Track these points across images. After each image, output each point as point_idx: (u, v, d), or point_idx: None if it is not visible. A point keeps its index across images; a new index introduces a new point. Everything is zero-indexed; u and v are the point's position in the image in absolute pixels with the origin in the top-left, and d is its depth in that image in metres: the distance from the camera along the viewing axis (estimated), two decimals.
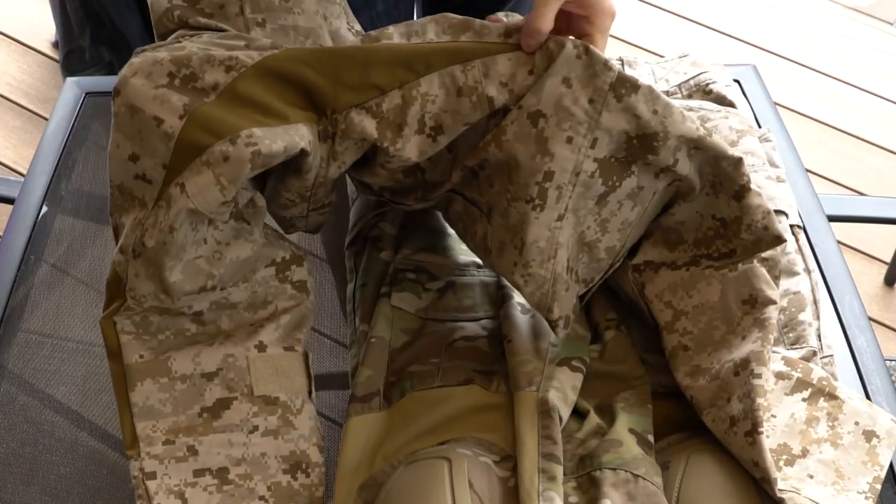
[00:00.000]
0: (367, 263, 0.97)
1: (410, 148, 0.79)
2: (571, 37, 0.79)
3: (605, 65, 0.77)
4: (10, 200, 1.18)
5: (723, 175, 0.81)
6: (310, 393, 0.83)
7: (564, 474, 0.78)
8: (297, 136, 0.76)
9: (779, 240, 0.81)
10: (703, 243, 0.84)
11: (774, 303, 0.81)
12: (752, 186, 0.81)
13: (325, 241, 1.08)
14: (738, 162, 0.80)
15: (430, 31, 0.80)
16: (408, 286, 0.94)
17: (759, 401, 0.77)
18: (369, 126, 0.78)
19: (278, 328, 0.83)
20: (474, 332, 0.92)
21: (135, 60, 0.77)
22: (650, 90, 0.77)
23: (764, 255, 0.82)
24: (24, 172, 1.23)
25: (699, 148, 0.79)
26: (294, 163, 0.79)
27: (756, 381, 0.77)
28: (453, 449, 0.78)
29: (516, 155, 0.78)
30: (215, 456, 0.79)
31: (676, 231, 0.85)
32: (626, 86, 0.76)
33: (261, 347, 0.81)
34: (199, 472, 0.79)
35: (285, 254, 0.83)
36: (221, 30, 0.81)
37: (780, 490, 0.76)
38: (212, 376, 0.80)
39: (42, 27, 2.38)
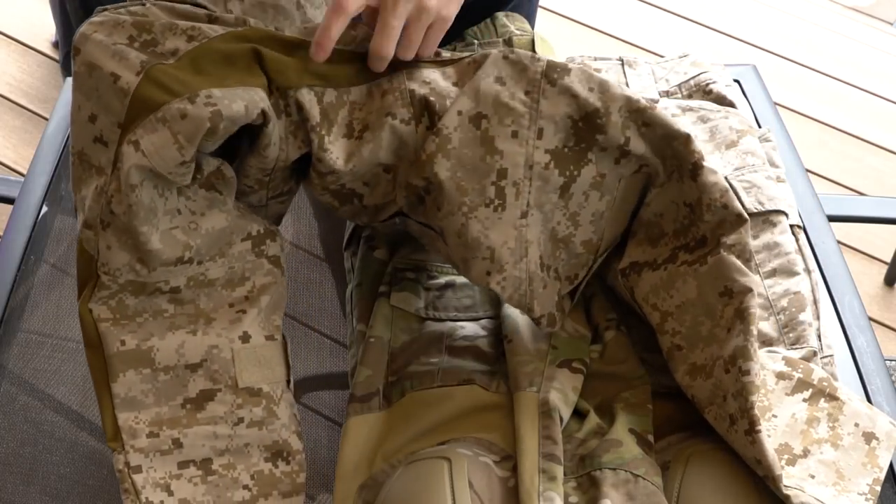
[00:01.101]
0: (362, 263, 0.96)
1: (338, 149, 0.80)
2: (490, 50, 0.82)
3: (532, 58, 0.80)
4: (10, 200, 1.18)
5: (676, 154, 0.81)
6: (288, 382, 0.83)
7: (564, 474, 0.78)
8: (256, 96, 0.76)
9: (741, 218, 0.81)
10: (681, 233, 0.84)
11: (751, 290, 0.79)
12: (706, 164, 0.81)
13: (324, 241, 1.08)
14: (687, 139, 0.80)
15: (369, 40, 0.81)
16: (407, 285, 0.94)
17: (753, 398, 0.77)
18: (315, 109, 0.79)
19: (260, 313, 0.82)
20: (474, 331, 0.92)
21: (95, 18, 0.77)
22: (582, 70, 0.80)
23: (729, 241, 0.80)
24: (24, 172, 1.23)
25: (648, 124, 0.80)
26: (254, 138, 0.79)
27: (746, 379, 0.77)
28: (453, 449, 0.78)
29: (463, 162, 0.80)
30: (199, 448, 0.79)
31: (657, 224, 0.85)
32: (557, 70, 0.79)
33: (245, 338, 0.81)
34: (183, 464, 0.79)
35: (259, 227, 0.83)
36: (199, 5, 0.81)
37: (785, 486, 0.76)
38: (195, 367, 0.80)
39: (42, 27, 2.38)
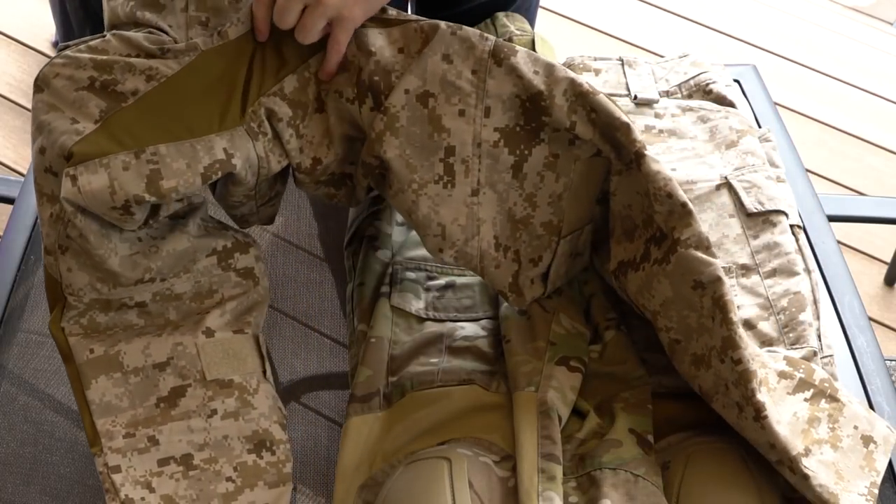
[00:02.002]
0: (364, 263, 0.97)
1: (315, 126, 0.82)
2: (440, 20, 0.82)
3: (481, 36, 0.80)
4: (10, 200, 1.18)
5: (619, 144, 0.82)
6: (264, 373, 0.84)
7: (564, 474, 0.78)
8: (206, 149, 0.78)
9: (685, 208, 0.80)
10: (648, 223, 0.84)
11: (720, 278, 0.79)
12: (647, 153, 0.81)
13: (324, 241, 1.08)
14: (627, 128, 0.81)
15: None
16: (407, 286, 0.94)
17: (752, 385, 0.76)
18: (279, 105, 0.80)
19: (224, 313, 0.84)
20: (474, 332, 0.92)
21: (57, 61, 0.78)
22: (528, 53, 0.80)
23: (683, 236, 0.80)
24: (24, 172, 1.23)
25: (595, 110, 0.81)
26: (228, 176, 0.81)
27: (740, 368, 0.77)
28: (453, 449, 0.78)
29: (411, 140, 0.81)
30: (177, 444, 0.80)
31: (629, 217, 0.85)
32: (504, 50, 0.80)
33: (208, 333, 0.82)
34: (163, 462, 0.80)
35: (226, 242, 0.85)
36: (161, 30, 0.82)
37: (804, 467, 0.76)
38: (163, 366, 0.81)
39: (42, 27, 2.38)
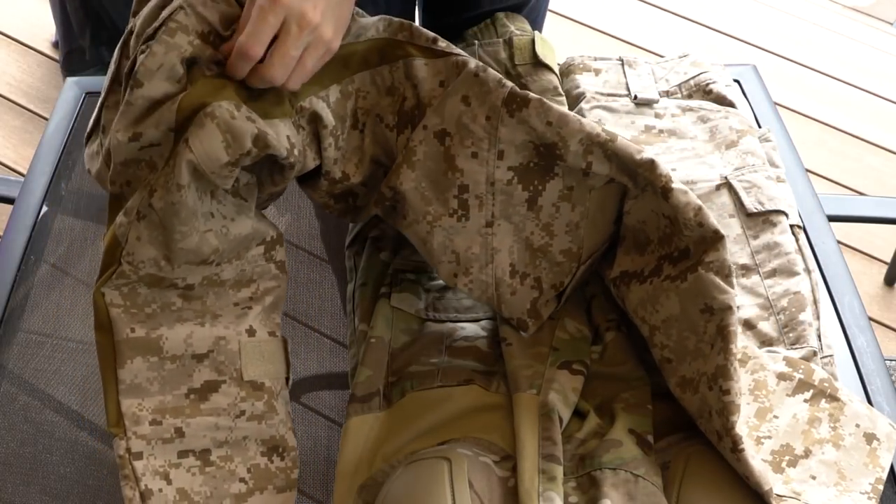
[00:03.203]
0: (367, 263, 0.97)
1: (349, 142, 0.82)
2: (473, 58, 0.82)
3: (499, 82, 0.80)
4: (10, 200, 1.18)
5: (644, 179, 0.81)
6: (287, 379, 0.84)
7: (564, 474, 0.78)
8: (289, 130, 0.78)
9: (717, 235, 0.80)
10: (665, 241, 0.84)
11: (730, 308, 0.79)
12: (675, 185, 0.80)
13: (325, 241, 1.08)
14: (651, 164, 0.80)
15: (371, 28, 0.83)
16: (408, 286, 0.94)
17: (733, 419, 0.77)
18: (326, 112, 0.80)
19: (263, 310, 0.83)
20: (474, 332, 0.92)
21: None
22: (540, 103, 0.79)
23: (708, 258, 0.80)
24: (24, 172, 1.23)
25: (616, 155, 0.80)
26: (280, 163, 0.81)
27: (726, 399, 0.77)
28: (453, 449, 0.78)
29: (426, 175, 0.82)
30: (201, 438, 0.80)
31: (642, 231, 0.85)
32: (516, 101, 0.80)
33: (251, 332, 0.82)
34: (183, 454, 0.79)
35: (273, 233, 0.84)
36: None
37: (778, 496, 0.76)
38: (202, 358, 0.80)
39: (42, 27, 2.38)
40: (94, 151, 0.81)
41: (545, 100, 0.80)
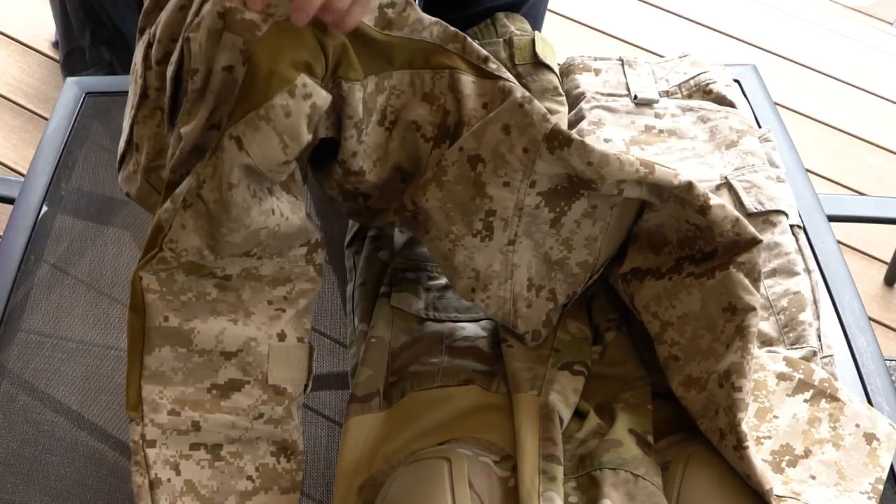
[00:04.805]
0: (366, 262, 0.97)
1: (372, 138, 0.80)
2: (519, 86, 0.80)
3: (543, 116, 0.78)
4: (10, 200, 1.18)
5: (680, 199, 0.81)
6: (306, 387, 0.84)
7: (564, 474, 0.78)
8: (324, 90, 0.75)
9: (755, 241, 0.81)
10: (686, 244, 0.84)
11: (754, 309, 0.80)
12: (713, 202, 0.80)
13: (325, 241, 1.08)
14: (689, 187, 0.80)
15: (426, 30, 0.81)
16: (407, 286, 0.94)
17: (741, 415, 0.77)
18: (357, 103, 0.78)
19: (295, 314, 0.82)
20: (474, 332, 0.92)
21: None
22: (582, 145, 0.77)
23: (740, 259, 0.81)
24: (24, 172, 1.23)
25: (654, 184, 0.80)
26: None
27: (737, 395, 0.77)
28: (453, 449, 0.78)
29: (453, 198, 0.80)
30: (216, 434, 0.80)
31: (659, 232, 0.85)
32: (559, 139, 0.78)
33: (281, 336, 0.81)
34: (195, 446, 0.79)
35: (318, 236, 0.83)
36: None
37: (778, 497, 0.76)
38: (230, 356, 0.80)
39: (42, 27, 2.38)
40: (131, 171, 0.80)
41: (587, 142, 0.78)
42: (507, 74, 0.80)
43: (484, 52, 0.81)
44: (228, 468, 0.80)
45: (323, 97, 0.73)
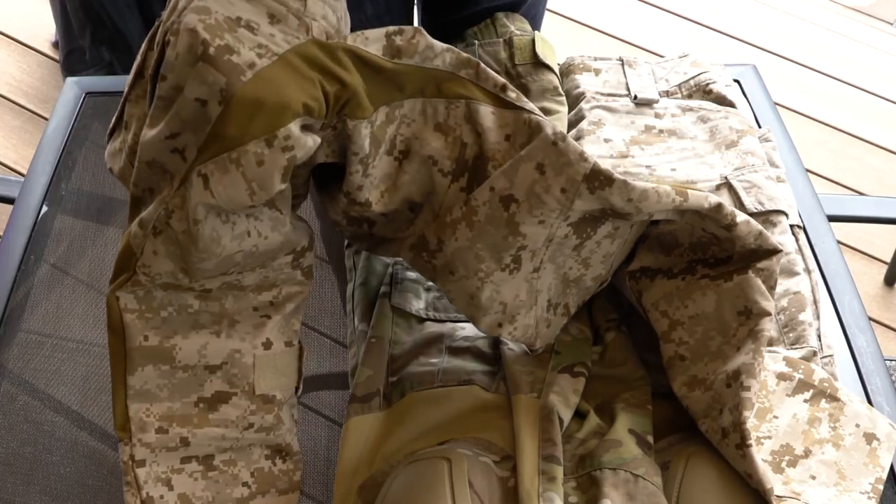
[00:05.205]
0: (367, 262, 0.97)
1: (380, 168, 0.77)
2: (548, 120, 0.77)
3: (581, 155, 0.75)
4: (10, 200, 1.18)
5: (707, 219, 0.81)
6: (297, 389, 0.83)
7: (564, 474, 0.78)
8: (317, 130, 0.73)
9: (775, 251, 0.82)
10: (699, 248, 0.84)
11: (769, 314, 0.80)
12: (739, 219, 0.80)
13: (325, 240, 1.08)
14: (718, 207, 0.80)
15: (438, 57, 0.77)
16: (408, 286, 0.94)
17: (746, 414, 0.77)
18: (363, 140, 0.75)
19: (282, 319, 0.81)
20: (474, 332, 0.92)
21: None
22: (624, 184, 0.75)
23: (760, 265, 0.81)
24: (24, 172, 1.23)
25: (686, 210, 0.80)
26: None
27: (745, 394, 0.77)
28: (453, 449, 0.78)
29: (484, 238, 0.77)
30: (206, 447, 0.79)
31: (672, 235, 0.85)
32: (599, 179, 0.75)
33: (267, 345, 0.80)
34: (186, 459, 0.79)
35: (305, 242, 0.80)
36: None
37: (778, 497, 0.76)
38: (215, 369, 0.79)
39: (42, 27, 2.38)
40: (117, 148, 0.78)
41: (628, 180, 0.76)
42: (530, 104, 0.78)
43: (501, 79, 0.78)
44: (223, 477, 0.80)
45: (307, 148, 0.70)
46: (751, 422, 0.83)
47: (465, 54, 0.78)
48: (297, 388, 0.83)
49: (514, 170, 0.76)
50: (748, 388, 0.77)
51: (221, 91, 0.68)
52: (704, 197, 0.79)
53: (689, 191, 0.79)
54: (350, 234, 0.84)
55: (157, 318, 0.77)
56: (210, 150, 0.69)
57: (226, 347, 0.79)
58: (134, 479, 0.77)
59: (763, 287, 0.81)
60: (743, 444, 0.76)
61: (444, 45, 0.78)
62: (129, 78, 0.77)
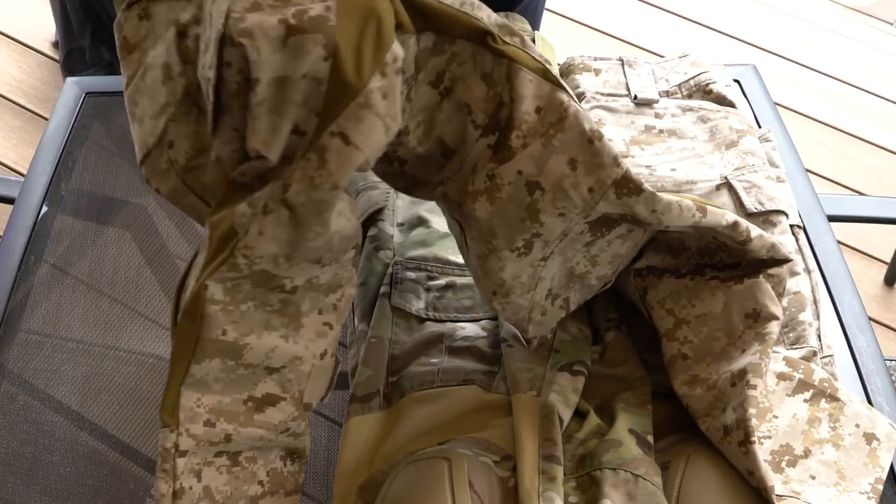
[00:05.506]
0: (367, 262, 0.97)
1: (420, 98, 0.76)
2: (587, 114, 0.76)
3: (615, 160, 0.75)
4: (10, 200, 1.19)
5: (723, 236, 0.82)
6: (324, 398, 0.82)
7: (564, 474, 0.78)
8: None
9: (786, 260, 0.82)
10: (707, 253, 0.85)
11: (777, 318, 0.81)
12: (753, 234, 0.81)
13: None
14: (734, 225, 0.80)
15: (483, 11, 0.76)
16: (408, 286, 0.94)
17: (752, 411, 0.77)
18: (412, 57, 0.73)
19: (339, 330, 0.80)
20: (474, 332, 0.92)
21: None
22: (651, 195, 0.76)
23: (771, 271, 0.82)
24: (24, 172, 1.23)
25: (703, 227, 0.80)
26: None
27: (750, 392, 0.78)
28: (453, 449, 0.78)
29: (503, 215, 0.77)
30: (242, 445, 0.78)
31: (679, 239, 0.86)
32: (629, 186, 0.76)
33: (323, 355, 0.79)
34: (219, 454, 0.77)
35: (360, 238, 0.78)
36: None
37: (778, 496, 0.76)
38: (273, 371, 0.77)
39: (42, 27, 2.38)
40: (164, 168, 0.76)
41: (657, 193, 0.76)
42: (569, 89, 0.77)
43: (542, 56, 0.77)
44: (243, 473, 0.79)
45: (408, 64, 0.69)
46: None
47: (510, 24, 0.77)
48: (323, 397, 0.83)
49: (545, 158, 0.75)
50: (754, 387, 0.78)
51: (324, 46, 0.66)
52: (721, 214, 0.79)
53: (708, 207, 0.79)
54: (381, 172, 0.82)
55: (237, 311, 0.75)
56: (335, 109, 0.67)
57: (289, 353, 0.77)
58: (172, 468, 0.75)
59: (773, 292, 0.82)
60: (747, 440, 0.76)
61: (488, 8, 0.76)
62: (166, 98, 0.74)
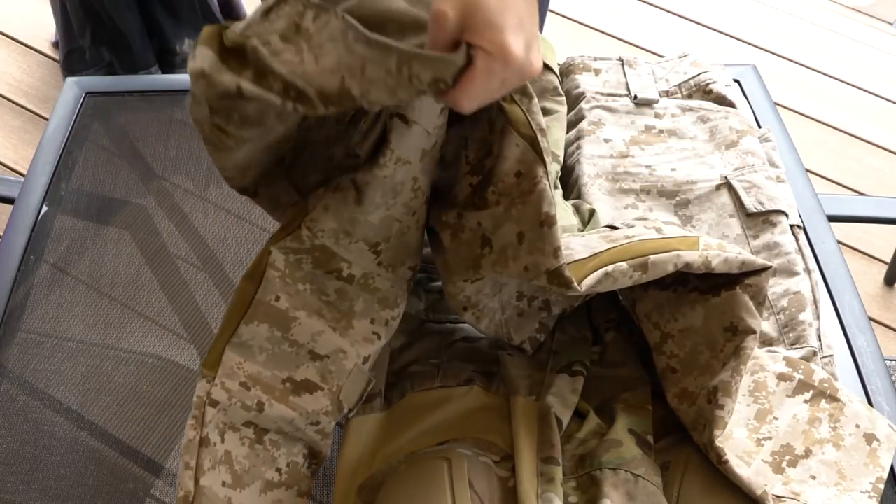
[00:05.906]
0: None
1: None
2: (550, 195, 0.76)
3: (556, 251, 0.75)
4: (10, 200, 1.19)
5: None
6: (354, 406, 0.83)
7: (564, 474, 0.78)
8: None
9: (764, 268, 0.81)
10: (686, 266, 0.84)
11: (754, 333, 0.80)
12: (714, 263, 0.80)
13: None
14: (686, 266, 0.79)
15: None
16: None
17: (717, 432, 0.77)
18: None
19: (385, 344, 0.83)
20: (474, 333, 0.92)
21: None
22: (577, 288, 0.76)
23: (748, 280, 0.81)
24: (24, 172, 1.23)
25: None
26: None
27: (718, 413, 0.78)
28: (453, 449, 0.78)
29: (457, 255, 0.79)
30: (272, 423, 0.79)
31: None
32: (559, 279, 0.76)
33: (366, 360, 0.81)
34: (248, 424, 0.79)
35: (418, 262, 0.82)
36: None
37: (777, 497, 0.76)
38: (317, 358, 0.79)
39: (42, 27, 2.38)
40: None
41: (581, 290, 0.76)
42: (550, 166, 0.77)
43: (544, 122, 0.78)
44: (265, 454, 0.80)
45: None
46: (751, 423, 0.83)
47: (528, 85, 0.78)
48: (354, 406, 0.83)
49: (503, 222, 0.77)
50: (722, 407, 0.78)
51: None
52: (670, 260, 0.78)
53: (650, 260, 0.78)
54: None
55: (293, 287, 0.78)
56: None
57: (336, 343, 0.79)
58: (202, 414, 0.76)
59: (750, 304, 0.81)
60: (720, 460, 0.77)
61: None
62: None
